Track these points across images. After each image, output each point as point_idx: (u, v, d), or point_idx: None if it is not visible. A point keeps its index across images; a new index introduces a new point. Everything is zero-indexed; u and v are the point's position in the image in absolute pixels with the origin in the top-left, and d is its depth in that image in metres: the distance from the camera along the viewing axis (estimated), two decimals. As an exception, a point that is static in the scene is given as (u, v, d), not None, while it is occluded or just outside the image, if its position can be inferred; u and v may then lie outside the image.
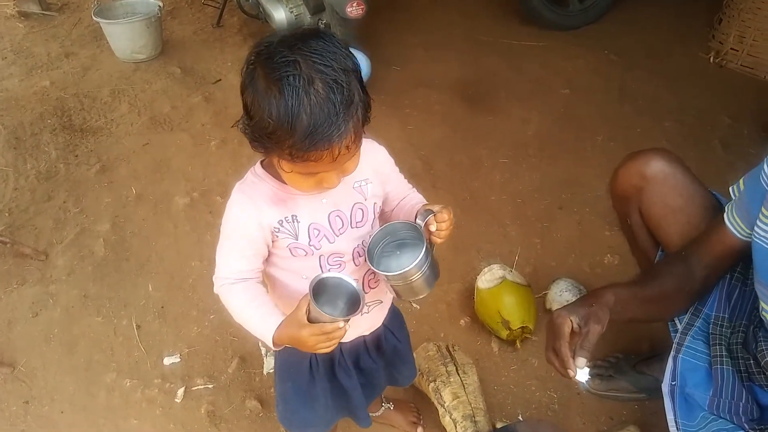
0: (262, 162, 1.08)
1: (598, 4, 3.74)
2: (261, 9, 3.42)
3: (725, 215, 1.23)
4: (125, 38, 3.49)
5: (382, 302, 1.26)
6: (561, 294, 2.01)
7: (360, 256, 1.14)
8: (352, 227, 1.11)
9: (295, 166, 0.92)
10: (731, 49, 3.27)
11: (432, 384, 1.68)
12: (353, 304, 1.01)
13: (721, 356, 1.22)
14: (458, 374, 1.70)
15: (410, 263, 1.02)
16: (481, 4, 4.15)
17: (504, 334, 1.87)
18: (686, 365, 1.25)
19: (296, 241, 1.07)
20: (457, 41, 3.73)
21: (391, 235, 1.09)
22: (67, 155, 2.85)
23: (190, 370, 1.89)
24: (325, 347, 1.00)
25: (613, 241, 2.22)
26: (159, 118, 3.09)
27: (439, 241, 1.07)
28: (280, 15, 3.32)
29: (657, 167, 1.38)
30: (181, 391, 1.81)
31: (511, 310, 1.85)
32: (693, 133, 2.84)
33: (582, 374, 1.14)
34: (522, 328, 1.85)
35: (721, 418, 1.16)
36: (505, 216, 2.44)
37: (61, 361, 1.92)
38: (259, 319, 1.07)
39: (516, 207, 2.49)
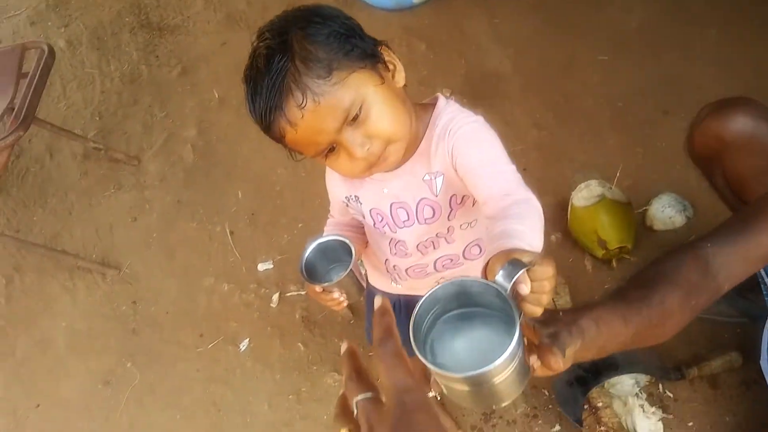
0: None
1: None
2: None
3: None
4: (195, -74, 3.32)
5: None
6: (663, 210, 1.90)
7: (427, 248, 1.07)
8: (419, 223, 1.01)
9: (297, 150, 0.90)
10: None
11: (524, 303, 1.66)
12: (346, 260, 0.98)
13: None
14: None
15: (491, 360, 0.60)
16: None
17: (600, 253, 1.80)
18: None
19: (364, 220, 1.06)
20: None
21: (452, 299, 0.69)
22: (147, 56, 2.83)
23: (282, 276, 1.95)
24: (327, 305, 1.03)
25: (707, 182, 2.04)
26: (235, 15, 2.99)
27: (532, 312, 0.67)
28: None
29: (738, 128, 1.19)
30: (275, 297, 1.88)
31: (609, 230, 1.76)
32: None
33: None
34: (619, 248, 1.77)
35: None
36: (603, 122, 2.27)
37: (162, 265, 2.02)
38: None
39: (616, 112, 2.31)
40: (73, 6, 3.20)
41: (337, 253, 1.02)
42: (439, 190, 0.97)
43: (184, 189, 2.24)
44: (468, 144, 0.92)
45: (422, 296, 0.66)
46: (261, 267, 1.97)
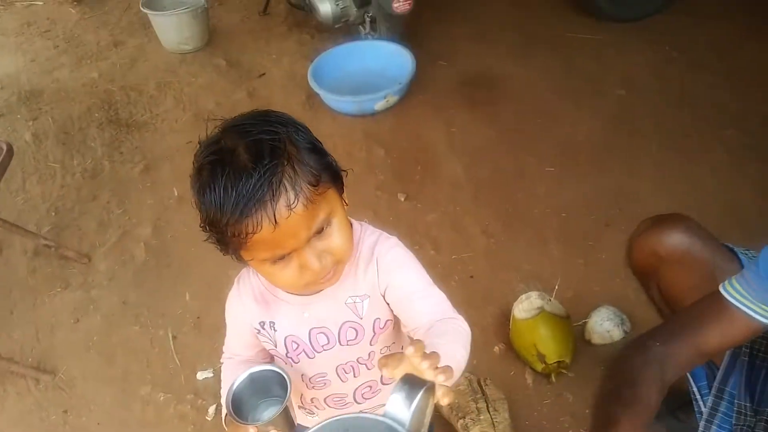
0: None
1: (661, -6, 3.51)
2: (306, 1, 3.36)
3: (742, 306, 1.03)
4: (172, 29, 3.50)
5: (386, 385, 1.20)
6: (602, 323, 1.93)
7: (347, 373, 1.06)
8: (341, 345, 1.01)
9: (250, 251, 0.84)
10: (807, 48, 3.02)
11: (461, 421, 1.65)
12: (283, 391, 0.91)
13: None
14: (488, 412, 1.65)
15: None
16: (534, -8, 3.96)
17: (539, 367, 1.81)
18: None
19: (275, 349, 1.03)
20: (507, 33, 3.57)
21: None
22: (112, 152, 2.89)
23: (222, 386, 1.91)
24: None
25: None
26: (203, 114, 3.10)
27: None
28: (325, 7, 3.25)
29: (672, 245, 1.27)
30: (212, 409, 1.84)
31: (548, 344, 1.78)
32: (755, 145, 2.64)
33: None
34: (558, 362, 1.79)
35: None
36: (549, 232, 2.34)
37: (100, 371, 1.98)
38: (223, 403, 1.03)
39: (560, 222, 2.38)
40: (45, 99, 3.29)
41: (265, 385, 0.95)
42: (365, 313, 0.99)
43: (132, 289, 2.22)
44: (397, 272, 0.96)
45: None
46: (200, 375, 1.93)
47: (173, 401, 1.87)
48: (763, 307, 1.03)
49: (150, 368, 1.97)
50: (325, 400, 1.12)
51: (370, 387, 1.11)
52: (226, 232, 0.82)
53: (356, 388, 1.10)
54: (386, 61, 3.14)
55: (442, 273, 2.16)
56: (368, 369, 1.07)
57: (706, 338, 1.07)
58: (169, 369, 1.96)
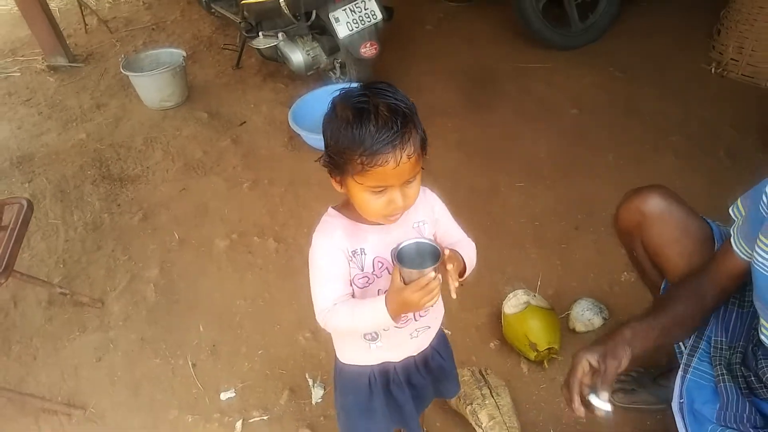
0: (333, 207, 1.29)
1: (599, 22, 3.90)
2: (279, 53, 3.62)
3: (732, 240, 1.35)
4: (153, 89, 3.71)
5: (429, 327, 1.42)
6: (583, 313, 2.16)
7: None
8: None
9: (366, 177, 1.11)
10: (731, 59, 3.41)
11: (469, 407, 1.84)
12: (436, 257, 1.16)
13: (722, 375, 1.35)
14: (492, 396, 1.85)
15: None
16: (483, 29, 4.33)
17: (532, 355, 2.01)
18: (693, 385, 1.38)
19: (361, 272, 1.25)
20: (465, 66, 3.91)
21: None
22: (109, 205, 3.05)
23: (245, 403, 2.05)
24: (429, 300, 1.15)
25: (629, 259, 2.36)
26: (192, 163, 3.29)
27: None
28: (297, 57, 3.51)
29: (653, 204, 1.53)
30: (239, 424, 1.98)
31: (537, 334, 2.00)
32: (699, 146, 2.98)
33: (604, 406, 1.23)
34: (548, 349, 2.00)
35: (728, 428, 1.29)
36: (525, 239, 2.59)
37: (127, 402, 2.10)
38: (370, 312, 1.21)
39: (535, 229, 2.63)
40: (37, 162, 3.43)
41: (417, 256, 1.17)
42: (426, 234, 1.30)
43: (148, 326, 2.36)
44: (442, 209, 1.35)
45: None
46: (224, 396, 2.07)
47: (201, 421, 2.01)
48: (742, 244, 1.31)
49: (175, 394, 2.10)
50: None
51: (426, 310, 1.35)
52: (354, 160, 1.10)
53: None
54: (359, 100, 3.39)
55: (434, 283, 2.37)
56: None
57: (720, 268, 1.39)
58: (193, 393, 2.10)
